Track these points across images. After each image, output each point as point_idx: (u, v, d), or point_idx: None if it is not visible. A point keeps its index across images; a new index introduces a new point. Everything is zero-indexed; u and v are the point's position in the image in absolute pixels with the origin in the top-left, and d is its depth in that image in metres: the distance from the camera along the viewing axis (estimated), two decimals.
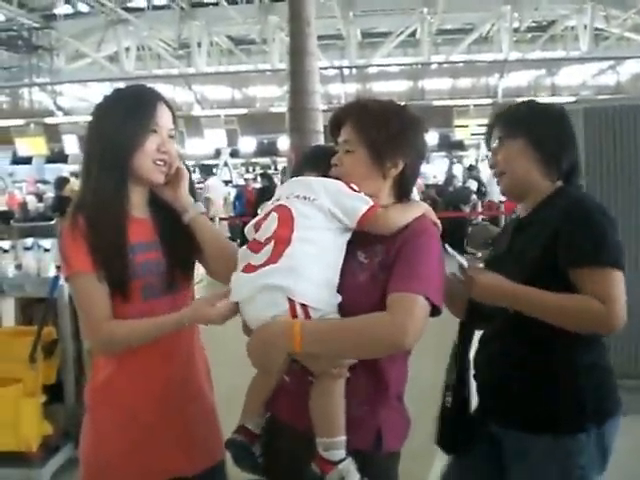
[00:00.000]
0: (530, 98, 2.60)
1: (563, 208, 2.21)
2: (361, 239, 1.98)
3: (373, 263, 1.95)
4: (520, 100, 2.48)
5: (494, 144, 2.41)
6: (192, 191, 2.33)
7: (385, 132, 1.99)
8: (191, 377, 2.29)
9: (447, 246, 2.18)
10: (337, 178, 2.03)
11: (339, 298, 1.91)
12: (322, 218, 1.93)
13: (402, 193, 2.11)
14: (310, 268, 1.87)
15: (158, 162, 2.16)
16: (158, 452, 2.15)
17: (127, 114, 2.11)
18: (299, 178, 2.10)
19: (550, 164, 2.34)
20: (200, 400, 2.31)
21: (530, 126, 2.32)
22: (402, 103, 2.14)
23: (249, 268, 1.91)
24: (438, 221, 2.07)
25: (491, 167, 2.47)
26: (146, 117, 2.13)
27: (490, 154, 2.48)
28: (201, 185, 14.07)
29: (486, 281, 2.18)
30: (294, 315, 1.84)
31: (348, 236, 1.98)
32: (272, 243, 1.90)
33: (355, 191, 1.97)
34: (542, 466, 2.26)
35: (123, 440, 2.13)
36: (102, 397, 2.18)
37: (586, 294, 2.08)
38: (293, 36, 8.44)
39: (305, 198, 1.95)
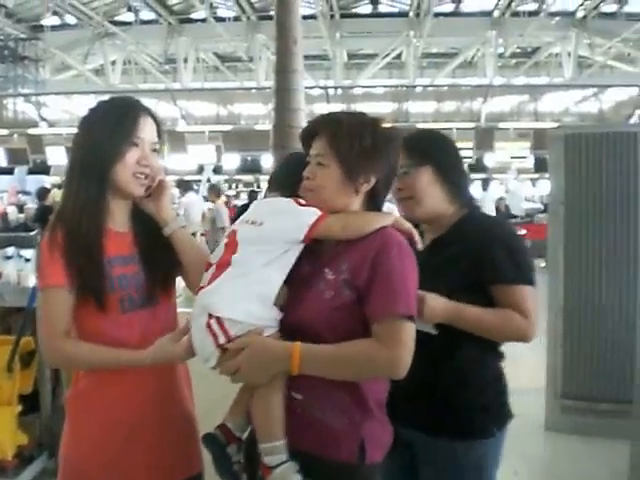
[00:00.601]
0: (429, 127, 2.70)
1: (483, 231, 2.41)
2: (330, 256, 2.03)
3: (338, 280, 1.95)
4: (419, 127, 2.56)
5: (400, 171, 2.39)
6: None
7: (358, 147, 1.98)
8: (172, 387, 2.28)
9: None
10: (308, 190, 2.04)
11: (275, 312, 1.97)
12: (267, 241, 1.99)
13: (374, 208, 2.10)
14: (230, 285, 1.95)
15: (138, 175, 2.15)
16: (137, 461, 2.14)
17: (109, 125, 2.10)
18: (256, 202, 2.18)
19: (454, 191, 2.50)
20: (180, 410, 2.30)
21: (436, 156, 2.43)
22: (377, 117, 2.11)
23: (199, 290, 2.03)
24: (410, 226, 2.08)
25: (397, 190, 2.49)
26: (127, 129, 2.12)
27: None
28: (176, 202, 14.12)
29: (434, 302, 2.24)
30: (209, 326, 1.91)
31: (299, 249, 2.02)
32: (214, 267, 2.02)
33: (303, 205, 2.02)
34: (454, 471, 2.37)
35: (103, 449, 2.11)
36: (82, 406, 2.17)
37: (507, 308, 2.33)
38: (279, 54, 8.42)
39: (253, 223, 2.03)
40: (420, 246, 2.07)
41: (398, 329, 1.86)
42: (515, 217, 18.31)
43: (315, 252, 2.06)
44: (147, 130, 2.17)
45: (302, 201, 2.03)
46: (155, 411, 2.18)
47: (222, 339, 1.92)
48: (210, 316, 1.93)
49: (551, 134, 5.46)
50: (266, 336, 1.96)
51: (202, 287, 2.01)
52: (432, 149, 2.46)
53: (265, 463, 1.93)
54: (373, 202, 2.09)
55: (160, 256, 2.22)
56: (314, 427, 1.97)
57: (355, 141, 1.99)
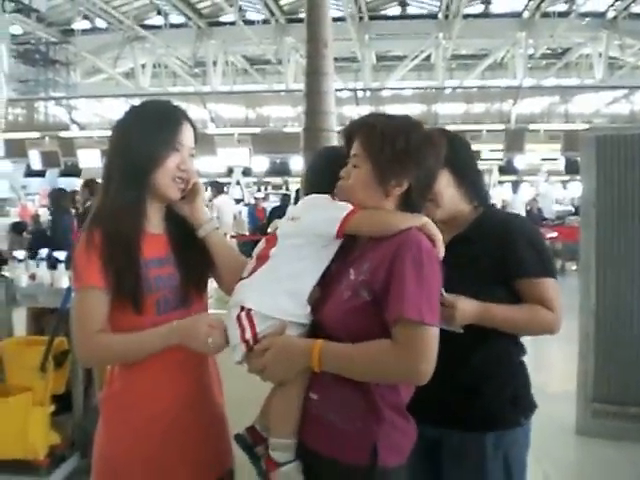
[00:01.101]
0: (457, 129, 2.67)
1: (504, 228, 2.45)
2: (357, 255, 2.04)
3: (357, 281, 1.95)
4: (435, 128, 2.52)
5: None
6: None
7: (390, 150, 1.98)
8: (204, 386, 2.29)
9: None
10: (342, 189, 2.06)
11: (307, 309, 2.01)
12: (302, 235, 2.03)
13: (407, 212, 2.07)
14: (264, 279, 2.01)
15: (177, 179, 2.19)
16: (173, 459, 2.16)
17: (151, 130, 2.13)
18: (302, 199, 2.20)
19: (471, 190, 2.54)
20: (212, 409, 2.32)
21: (452, 157, 2.39)
22: (417, 121, 2.11)
23: (239, 281, 2.09)
24: (437, 233, 2.01)
25: None
26: (170, 135, 2.16)
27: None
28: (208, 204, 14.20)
29: (464, 305, 2.27)
30: (239, 319, 1.98)
31: (334, 247, 2.06)
32: (254, 259, 2.10)
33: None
34: (487, 463, 2.39)
35: (139, 448, 2.12)
36: (117, 405, 2.18)
37: (532, 302, 2.38)
38: (310, 57, 8.43)
39: (293, 219, 2.08)
40: (442, 255, 2.02)
41: (412, 334, 1.84)
42: (546, 219, 18.19)
43: (346, 250, 2.08)
44: (187, 136, 2.22)
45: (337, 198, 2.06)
46: (187, 409, 2.19)
47: (248, 334, 1.97)
48: (242, 308, 1.99)
49: (583, 136, 5.42)
50: (296, 334, 2.00)
51: (242, 278, 2.08)
52: (447, 151, 2.39)
53: (272, 457, 1.98)
54: (407, 207, 2.06)
55: (194, 258, 2.25)
56: (326, 428, 1.98)
57: (387, 144, 1.98)
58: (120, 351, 2.09)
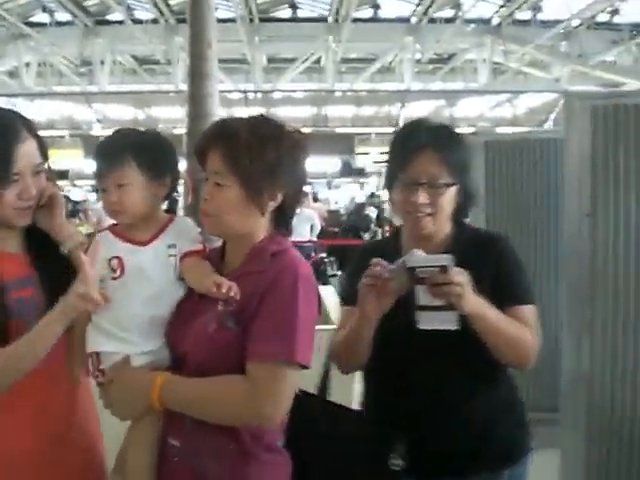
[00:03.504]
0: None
1: (495, 249, 2.20)
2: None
3: (225, 311, 1.74)
4: (454, 132, 2.30)
5: (428, 182, 2.12)
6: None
7: (260, 163, 1.75)
8: (74, 416, 2.06)
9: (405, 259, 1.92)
10: (208, 215, 1.84)
11: (156, 340, 1.89)
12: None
13: (281, 224, 1.91)
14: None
15: (21, 208, 1.93)
16: None
17: None
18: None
19: (465, 208, 2.29)
20: (83, 454, 2.07)
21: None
22: (280, 122, 1.86)
23: None
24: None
25: (416, 204, 2.14)
26: (3, 168, 1.85)
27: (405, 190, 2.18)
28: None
29: (465, 279, 1.93)
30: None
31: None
32: None
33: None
34: None
35: None
36: None
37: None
38: (193, 58, 8.21)
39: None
40: None
41: (273, 374, 1.67)
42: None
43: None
44: (26, 159, 1.90)
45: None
46: (54, 442, 1.96)
47: (95, 371, 1.89)
48: None
49: (471, 141, 5.47)
50: (142, 365, 1.85)
51: None
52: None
53: None
54: (281, 220, 1.90)
55: (61, 276, 1.91)
56: (190, 476, 1.80)
57: (256, 156, 1.75)
58: (21, 354, 1.82)
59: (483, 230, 2.54)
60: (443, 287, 1.85)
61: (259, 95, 26.23)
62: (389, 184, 2.27)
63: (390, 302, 2.00)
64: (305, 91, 28.50)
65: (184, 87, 23.99)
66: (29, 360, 1.83)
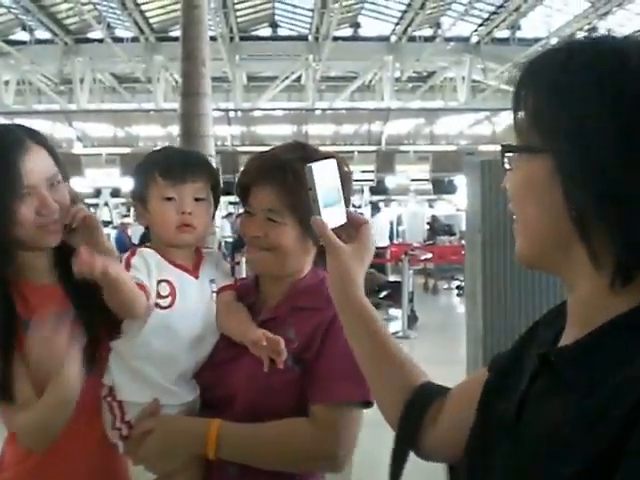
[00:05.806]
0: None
1: None
2: (266, 319, 1.71)
3: (287, 354, 1.55)
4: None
5: None
6: None
7: (308, 197, 1.56)
8: (105, 462, 1.81)
9: None
10: (264, 249, 1.67)
11: (189, 385, 1.71)
12: None
13: (323, 258, 1.66)
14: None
15: (43, 226, 1.67)
16: None
17: None
18: None
19: None
20: None
21: None
22: (324, 153, 1.69)
23: None
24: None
25: None
26: (10, 181, 1.60)
27: None
28: None
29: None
30: (107, 401, 1.68)
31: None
32: None
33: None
34: None
35: None
36: None
37: None
38: (186, 76, 7.94)
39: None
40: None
41: (341, 415, 1.58)
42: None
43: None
44: (37, 168, 1.66)
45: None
46: None
47: (119, 423, 1.65)
48: (110, 389, 1.68)
49: (467, 161, 5.48)
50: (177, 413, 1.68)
51: None
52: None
53: None
54: (322, 253, 1.67)
55: (101, 310, 1.67)
56: None
57: (305, 189, 1.55)
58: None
59: None
60: None
61: (240, 113, 26.22)
62: None
63: None
64: (285, 109, 28.55)
65: (165, 105, 24.09)
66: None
